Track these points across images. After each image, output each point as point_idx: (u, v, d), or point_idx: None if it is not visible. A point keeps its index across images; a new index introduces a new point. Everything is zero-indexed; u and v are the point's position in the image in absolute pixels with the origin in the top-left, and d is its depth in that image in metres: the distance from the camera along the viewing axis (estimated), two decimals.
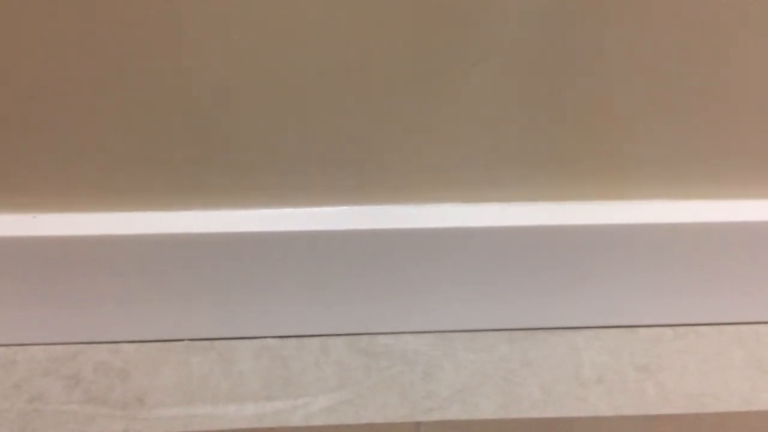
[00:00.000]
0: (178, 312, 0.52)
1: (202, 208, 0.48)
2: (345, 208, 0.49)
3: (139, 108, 0.42)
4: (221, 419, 0.48)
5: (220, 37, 0.40)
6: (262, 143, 0.45)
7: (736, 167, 0.48)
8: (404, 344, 0.53)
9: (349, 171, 0.47)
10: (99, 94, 0.42)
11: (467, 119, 0.45)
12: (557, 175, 0.48)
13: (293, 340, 0.53)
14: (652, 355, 0.52)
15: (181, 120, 0.43)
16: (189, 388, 0.50)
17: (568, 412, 0.48)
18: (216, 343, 0.53)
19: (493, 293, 0.52)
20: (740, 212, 0.49)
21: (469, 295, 0.52)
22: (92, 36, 0.39)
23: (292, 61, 0.41)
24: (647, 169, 0.48)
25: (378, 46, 0.41)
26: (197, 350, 0.52)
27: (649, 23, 0.41)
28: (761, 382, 0.50)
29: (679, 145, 0.47)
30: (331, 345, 0.53)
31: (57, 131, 0.43)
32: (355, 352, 0.52)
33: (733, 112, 0.45)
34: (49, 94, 0.42)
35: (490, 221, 0.48)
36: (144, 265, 0.49)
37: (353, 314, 0.53)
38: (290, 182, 0.47)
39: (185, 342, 0.53)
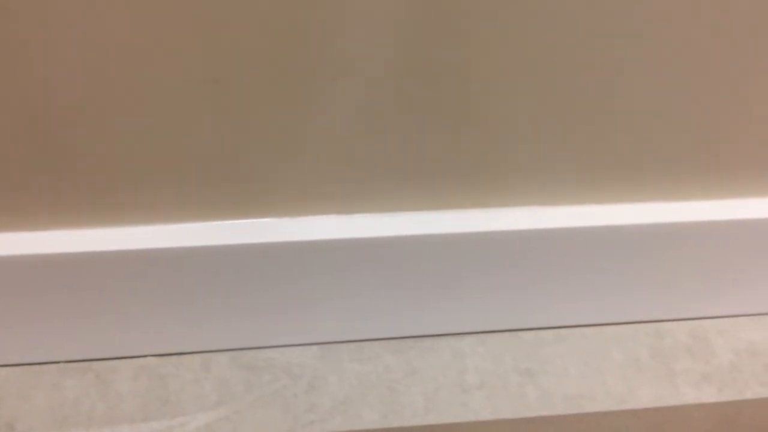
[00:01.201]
0: (52, 333, 0.50)
1: (73, 226, 0.47)
2: (221, 222, 0.48)
3: None
4: None
5: (69, 50, 0.39)
6: (125, 160, 0.44)
7: (604, 174, 0.49)
8: (289, 357, 0.52)
9: (222, 184, 0.46)
10: None
11: (334, 132, 0.44)
12: (427, 185, 0.49)
13: (174, 357, 0.52)
14: (535, 359, 0.52)
15: (25, 134, 0.42)
16: (62, 413, 0.48)
17: (450, 418, 0.49)
18: (93, 363, 0.51)
19: (378, 303, 0.52)
20: (613, 216, 0.50)
21: (354, 305, 0.52)
22: None
23: (155, 74, 0.40)
24: (518, 175, 0.49)
25: (240, 59, 0.41)
26: (73, 372, 0.50)
27: (524, 26, 0.42)
28: (637, 381, 0.51)
29: (550, 154, 0.48)
30: (213, 361, 0.52)
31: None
32: (238, 367, 0.51)
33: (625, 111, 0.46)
34: None
35: (366, 232, 0.48)
36: (12, 285, 0.47)
37: (236, 329, 0.52)
38: (162, 197, 0.46)
39: (60, 364, 0.51)
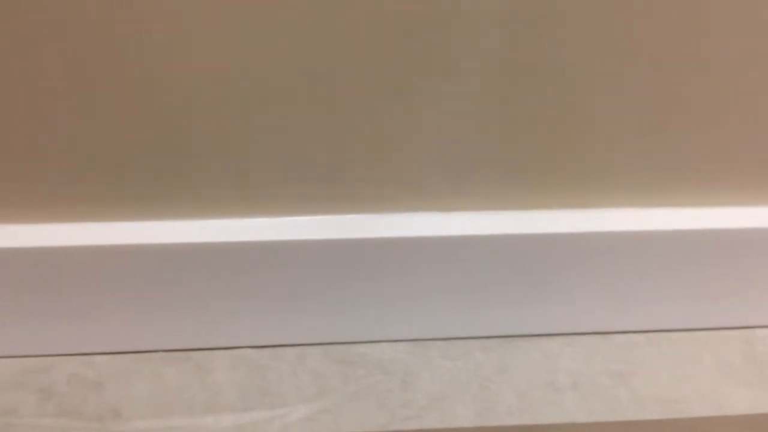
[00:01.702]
0: (152, 323, 0.51)
1: (177, 217, 0.48)
2: (321, 217, 0.49)
3: (103, 111, 0.42)
4: (199, 431, 0.48)
5: (194, 40, 0.40)
6: (236, 153, 0.45)
7: (702, 176, 0.49)
8: (380, 353, 0.53)
9: (324, 180, 0.47)
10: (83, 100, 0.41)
11: (436, 129, 0.45)
12: (528, 184, 0.49)
13: (269, 349, 0.53)
14: (626, 361, 0.53)
15: (148, 128, 0.43)
16: (165, 400, 0.49)
17: (544, 418, 0.49)
18: (192, 353, 0.52)
19: (467, 301, 0.52)
20: (709, 219, 0.50)
21: (444, 303, 0.52)
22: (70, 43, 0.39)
23: (264, 67, 0.41)
24: (615, 177, 0.49)
25: (346, 57, 0.41)
26: (173, 361, 0.52)
27: (626, 29, 0.42)
28: (731, 386, 0.51)
29: (650, 154, 0.48)
30: (308, 354, 0.53)
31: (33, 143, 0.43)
32: (332, 361, 0.52)
33: (713, 121, 0.46)
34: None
35: (464, 230, 0.49)
36: (117, 275, 0.48)
37: (329, 323, 0.53)
38: (266, 192, 0.47)
39: (160, 353, 0.52)
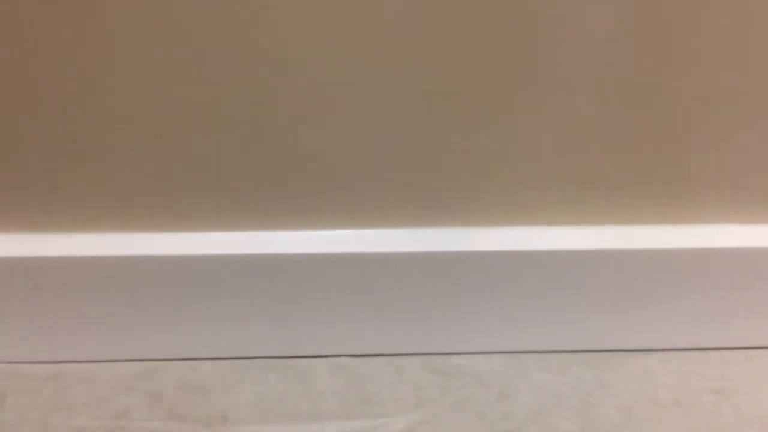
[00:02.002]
0: (254, 330, 0.52)
1: (279, 228, 0.49)
2: (422, 230, 0.50)
3: (213, 127, 0.43)
4: None
5: (304, 52, 0.41)
6: (339, 164, 0.46)
7: None
8: (477, 364, 0.53)
9: (428, 192, 0.48)
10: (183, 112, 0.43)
11: (546, 142, 0.45)
12: (629, 199, 0.49)
13: (366, 359, 0.54)
14: (725, 378, 0.52)
15: (256, 139, 0.44)
16: (269, 406, 0.50)
17: None
18: (291, 361, 0.53)
19: (565, 314, 0.52)
20: None
21: (540, 316, 0.53)
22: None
23: (373, 81, 0.42)
24: (718, 193, 0.49)
25: (455, 69, 0.42)
26: (274, 368, 0.53)
27: (737, 45, 0.42)
28: None
29: (756, 171, 0.48)
30: (405, 364, 0.53)
31: (140, 153, 0.44)
32: (429, 371, 0.53)
33: None
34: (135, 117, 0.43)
35: (564, 244, 0.49)
36: (221, 284, 0.50)
37: (426, 334, 0.53)
38: (367, 203, 0.48)
39: (261, 360, 0.53)
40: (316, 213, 0.48)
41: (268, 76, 0.42)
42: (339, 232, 0.49)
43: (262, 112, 0.43)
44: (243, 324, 0.52)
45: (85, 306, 0.50)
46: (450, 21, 0.40)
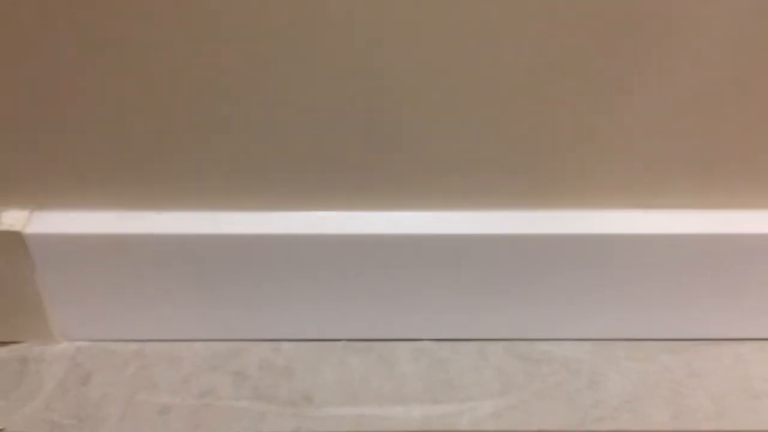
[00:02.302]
0: (336, 312, 0.52)
1: (361, 209, 0.48)
2: (515, 212, 0.48)
3: (324, 107, 0.43)
4: (389, 420, 0.48)
5: (422, 41, 0.40)
6: (443, 147, 0.45)
7: None
8: (564, 351, 0.52)
9: (528, 174, 0.47)
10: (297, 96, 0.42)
11: (649, 126, 0.44)
12: (727, 184, 0.47)
13: (449, 343, 0.53)
14: None
15: (363, 121, 0.43)
16: (353, 388, 0.50)
17: (744, 425, 0.47)
18: (374, 343, 0.53)
19: (654, 302, 0.51)
20: None
21: (629, 303, 0.51)
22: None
23: (488, 65, 0.41)
24: None
25: (569, 49, 0.41)
26: (356, 351, 0.52)
27: None
28: None
29: None
30: (489, 349, 0.52)
31: (244, 133, 0.44)
32: (514, 357, 0.52)
33: None
34: (242, 97, 0.42)
35: (655, 228, 0.47)
36: (305, 265, 0.49)
37: (511, 319, 0.52)
38: (462, 185, 0.47)
39: (343, 342, 0.53)
40: (413, 194, 0.47)
41: (377, 60, 0.41)
42: (429, 213, 0.48)
43: (374, 97, 0.43)
44: (326, 306, 0.51)
45: (169, 285, 0.49)
46: (568, 6, 0.39)
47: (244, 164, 0.45)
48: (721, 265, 0.49)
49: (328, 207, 0.48)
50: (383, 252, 0.49)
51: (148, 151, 0.44)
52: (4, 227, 0.45)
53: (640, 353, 0.52)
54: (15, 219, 0.45)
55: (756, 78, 0.42)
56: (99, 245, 0.46)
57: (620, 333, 0.53)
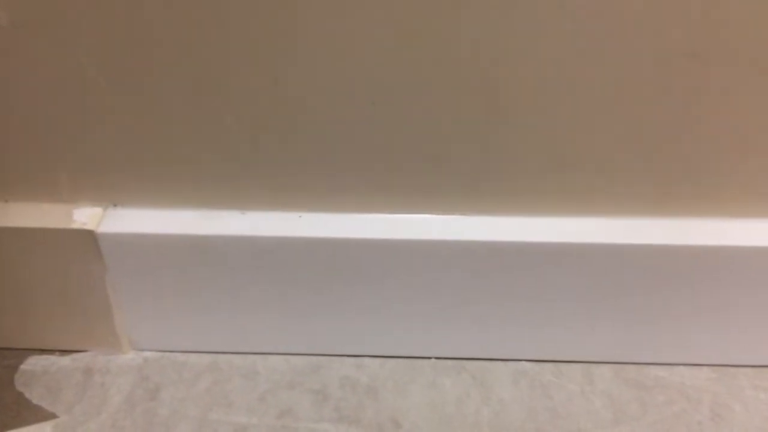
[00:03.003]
0: (426, 328, 0.47)
1: (465, 213, 0.44)
2: (621, 219, 0.43)
3: (436, 108, 0.38)
4: None
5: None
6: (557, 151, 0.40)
7: None
8: (680, 377, 0.47)
9: (636, 177, 0.42)
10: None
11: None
12: None
13: (550, 364, 0.48)
14: None
15: (476, 123, 0.39)
16: (445, 413, 0.45)
17: None
18: (466, 363, 0.48)
19: None
20: None
21: (755, 325, 0.46)
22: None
23: (596, 68, 0.36)
24: None
25: (720, 33, 0.36)
26: (446, 370, 0.47)
27: None
28: None
29: None
30: (595, 373, 0.47)
31: (324, 135, 0.40)
32: (624, 383, 0.47)
33: None
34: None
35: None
36: (395, 273, 0.44)
37: (618, 340, 0.47)
38: (568, 186, 0.42)
39: (432, 360, 0.48)
40: (523, 197, 0.43)
41: (491, 61, 0.36)
42: (531, 219, 0.44)
43: (483, 96, 0.38)
44: (414, 320, 0.47)
45: (248, 292, 0.45)
46: None
47: (336, 163, 0.41)
48: None
49: (427, 210, 0.44)
50: (477, 260, 0.44)
51: (235, 146, 0.40)
52: (76, 225, 0.41)
53: (767, 382, 0.46)
54: (88, 217, 0.42)
55: None
56: (176, 246, 0.42)
57: (744, 359, 0.47)
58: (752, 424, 0.44)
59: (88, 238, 0.41)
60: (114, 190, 0.42)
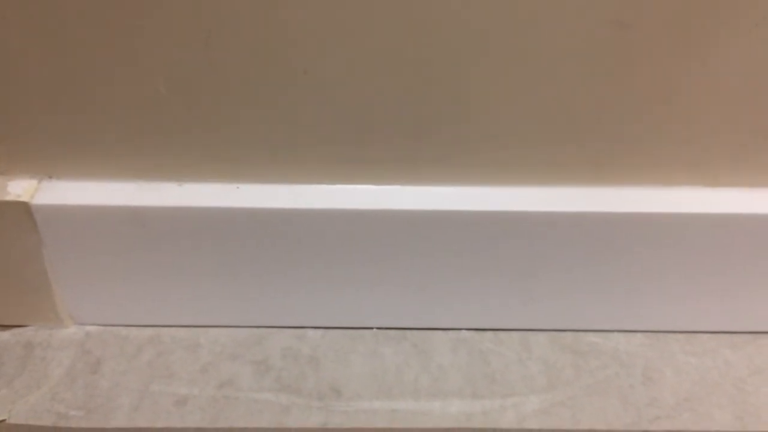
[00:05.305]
0: (367, 298, 0.48)
1: (400, 182, 0.44)
2: (558, 188, 0.44)
3: (370, 73, 0.38)
4: (426, 416, 0.44)
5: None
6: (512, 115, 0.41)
7: None
8: (614, 343, 0.48)
9: (574, 146, 0.42)
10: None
11: (728, 90, 0.40)
12: None
13: (490, 333, 0.49)
14: None
15: (418, 86, 0.39)
16: (386, 381, 0.46)
17: None
18: (407, 332, 0.49)
19: (714, 292, 0.47)
20: None
21: (686, 292, 0.47)
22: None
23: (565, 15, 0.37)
24: None
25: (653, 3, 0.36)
26: (388, 340, 0.48)
27: None
28: None
29: None
30: (532, 340, 0.48)
31: (258, 104, 0.40)
32: (560, 349, 0.48)
33: None
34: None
35: (721, 207, 0.43)
36: (334, 244, 0.45)
37: (556, 309, 0.48)
38: (505, 157, 0.43)
39: (374, 330, 0.49)
40: (455, 167, 0.43)
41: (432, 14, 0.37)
42: (466, 188, 0.44)
43: (427, 59, 0.38)
44: (355, 292, 0.47)
45: (188, 265, 0.45)
46: None
47: (271, 134, 0.41)
48: None
49: (362, 180, 0.44)
50: (419, 230, 0.44)
51: (170, 117, 0.40)
52: (11, 197, 0.41)
53: (697, 347, 0.48)
54: (22, 188, 0.41)
55: None
56: (114, 219, 0.42)
57: (676, 325, 0.49)
58: (682, 387, 0.45)
59: (23, 210, 0.41)
60: (49, 162, 0.42)
